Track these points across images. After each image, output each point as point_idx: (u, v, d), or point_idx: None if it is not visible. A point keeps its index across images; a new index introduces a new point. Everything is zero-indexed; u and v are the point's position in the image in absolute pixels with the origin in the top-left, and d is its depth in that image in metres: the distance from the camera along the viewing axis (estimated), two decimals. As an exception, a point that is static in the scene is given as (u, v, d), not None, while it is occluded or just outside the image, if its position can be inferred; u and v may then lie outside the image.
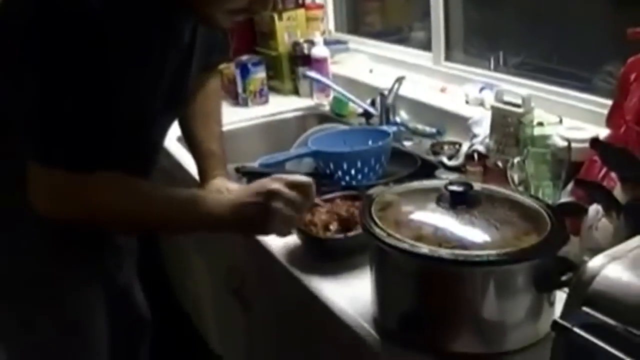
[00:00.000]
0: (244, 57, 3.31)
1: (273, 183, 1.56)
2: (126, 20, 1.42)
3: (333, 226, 1.75)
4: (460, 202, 1.37)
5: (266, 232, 1.64)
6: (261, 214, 1.54)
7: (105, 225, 1.56)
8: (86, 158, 1.41)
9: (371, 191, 1.50)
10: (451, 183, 1.41)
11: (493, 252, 1.23)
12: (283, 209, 1.54)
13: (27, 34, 1.37)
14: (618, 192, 1.53)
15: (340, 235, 1.72)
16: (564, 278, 1.26)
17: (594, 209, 1.57)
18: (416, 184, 1.55)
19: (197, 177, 2.06)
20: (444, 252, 1.24)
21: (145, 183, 1.59)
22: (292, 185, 1.56)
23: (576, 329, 0.90)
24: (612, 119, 1.79)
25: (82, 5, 1.34)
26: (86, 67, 1.37)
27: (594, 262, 0.95)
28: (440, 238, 1.29)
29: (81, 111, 1.39)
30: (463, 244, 1.27)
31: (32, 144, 1.41)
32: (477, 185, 1.44)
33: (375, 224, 1.34)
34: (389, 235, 1.30)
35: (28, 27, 1.37)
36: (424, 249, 1.25)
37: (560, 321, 0.92)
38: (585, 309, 0.92)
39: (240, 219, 1.55)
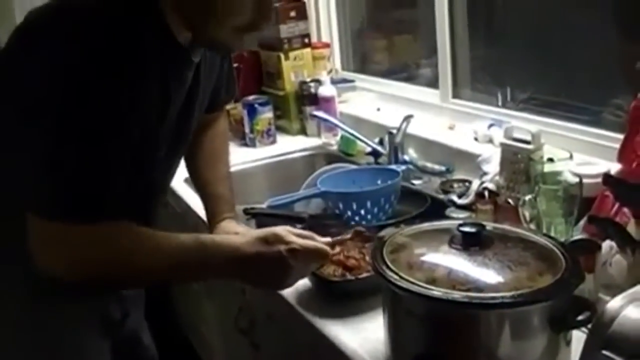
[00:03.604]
0: (251, 97, 3.32)
1: (292, 238, 1.58)
2: (133, 64, 1.41)
3: (344, 268, 1.73)
4: (473, 243, 1.35)
5: (279, 288, 1.68)
6: (280, 270, 1.56)
7: (113, 278, 1.49)
8: (97, 209, 1.39)
9: (382, 233, 1.49)
10: (463, 224, 1.39)
11: (508, 293, 1.22)
12: (300, 267, 1.58)
13: (35, 83, 1.36)
14: (632, 227, 1.52)
15: (352, 277, 1.71)
16: (580, 318, 1.25)
17: (608, 244, 1.56)
18: (427, 225, 1.53)
19: (205, 219, 2.04)
20: (458, 295, 1.23)
21: (159, 233, 1.56)
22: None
23: (597, 374, 0.88)
24: (623, 154, 1.78)
25: (90, 53, 1.34)
26: (96, 116, 1.35)
27: (613, 304, 0.94)
28: (454, 280, 1.27)
29: (91, 162, 1.37)
30: (477, 286, 1.26)
31: (39, 198, 1.38)
32: (490, 225, 1.43)
33: (388, 266, 1.33)
34: (401, 278, 1.28)
35: (35, 76, 1.36)
36: (438, 291, 1.23)
37: (581, 366, 0.90)
38: (605, 352, 0.90)
39: (256, 274, 1.57)
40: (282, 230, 1.59)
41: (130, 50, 1.41)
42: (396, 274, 1.30)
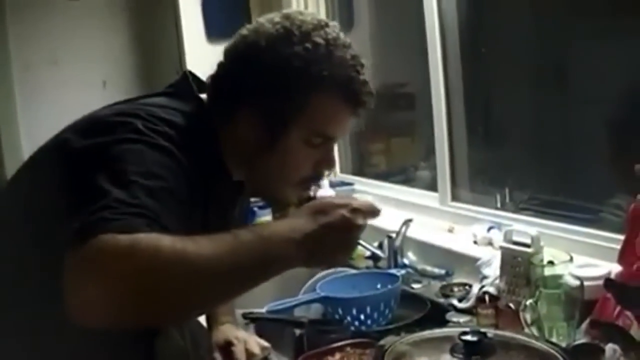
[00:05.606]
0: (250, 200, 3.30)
1: (345, 200, 1.41)
2: (198, 183, 1.41)
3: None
4: (474, 352, 1.33)
5: (346, 257, 1.43)
6: (348, 235, 1.42)
7: (166, 295, 1.16)
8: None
9: (383, 342, 1.47)
10: (464, 332, 1.37)
11: (511, 404, 1.19)
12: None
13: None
14: (635, 330, 1.51)
15: (353, 386, 1.68)
16: None
17: (611, 348, 1.54)
18: (428, 333, 1.51)
19: (204, 323, 2.05)
20: (461, 406, 1.20)
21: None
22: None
23: None
24: (624, 256, 1.77)
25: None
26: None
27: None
28: (456, 390, 1.25)
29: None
30: (479, 397, 1.24)
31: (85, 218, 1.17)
32: (491, 332, 1.41)
33: (388, 376, 1.31)
34: (402, 388, 1.26)
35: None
36: (440, 402, 1.21)
37: None
38: None
39: (326, 248, 1.39)
40: (329, 198, 1.45)
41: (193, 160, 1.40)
42: (397, 384, 1.28)
